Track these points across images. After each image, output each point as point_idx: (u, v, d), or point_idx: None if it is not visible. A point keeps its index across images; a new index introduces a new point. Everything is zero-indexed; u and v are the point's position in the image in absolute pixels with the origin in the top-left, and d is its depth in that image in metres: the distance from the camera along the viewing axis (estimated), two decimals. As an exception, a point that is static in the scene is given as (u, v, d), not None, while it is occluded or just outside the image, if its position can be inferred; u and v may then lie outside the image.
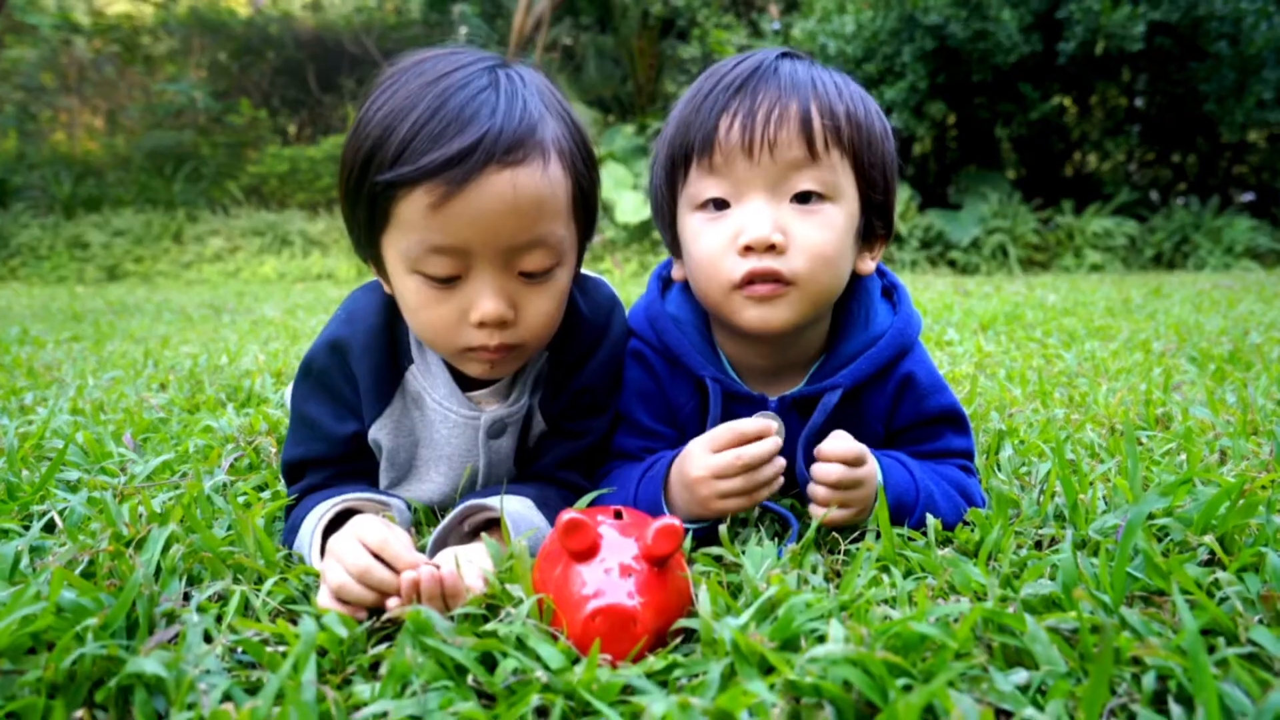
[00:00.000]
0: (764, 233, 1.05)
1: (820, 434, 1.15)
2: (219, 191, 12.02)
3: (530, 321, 1.07)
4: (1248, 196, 9.93)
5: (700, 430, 1.21)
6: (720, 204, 1.10)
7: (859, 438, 1.20)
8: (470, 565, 0.92)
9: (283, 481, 1.23)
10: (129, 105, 13.46)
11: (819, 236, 1.07)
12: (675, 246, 1.22)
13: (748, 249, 1.07)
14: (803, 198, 1.07)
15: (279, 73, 14.21)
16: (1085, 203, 9.02)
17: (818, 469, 1.07)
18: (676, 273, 1.25)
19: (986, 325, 3.53)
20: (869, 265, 1.19)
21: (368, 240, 1.06)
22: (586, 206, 1.10)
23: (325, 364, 1.16)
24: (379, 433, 1.17)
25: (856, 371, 1.17)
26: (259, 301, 5.98)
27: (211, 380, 2.40)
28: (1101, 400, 1.88)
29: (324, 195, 12.28)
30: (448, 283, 1.02)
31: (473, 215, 0.96)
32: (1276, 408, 1.77)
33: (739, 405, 1.21)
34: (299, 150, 12.84)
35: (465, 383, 1.18)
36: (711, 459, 1.05)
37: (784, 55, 1.13)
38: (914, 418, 1.21)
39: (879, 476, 1.08)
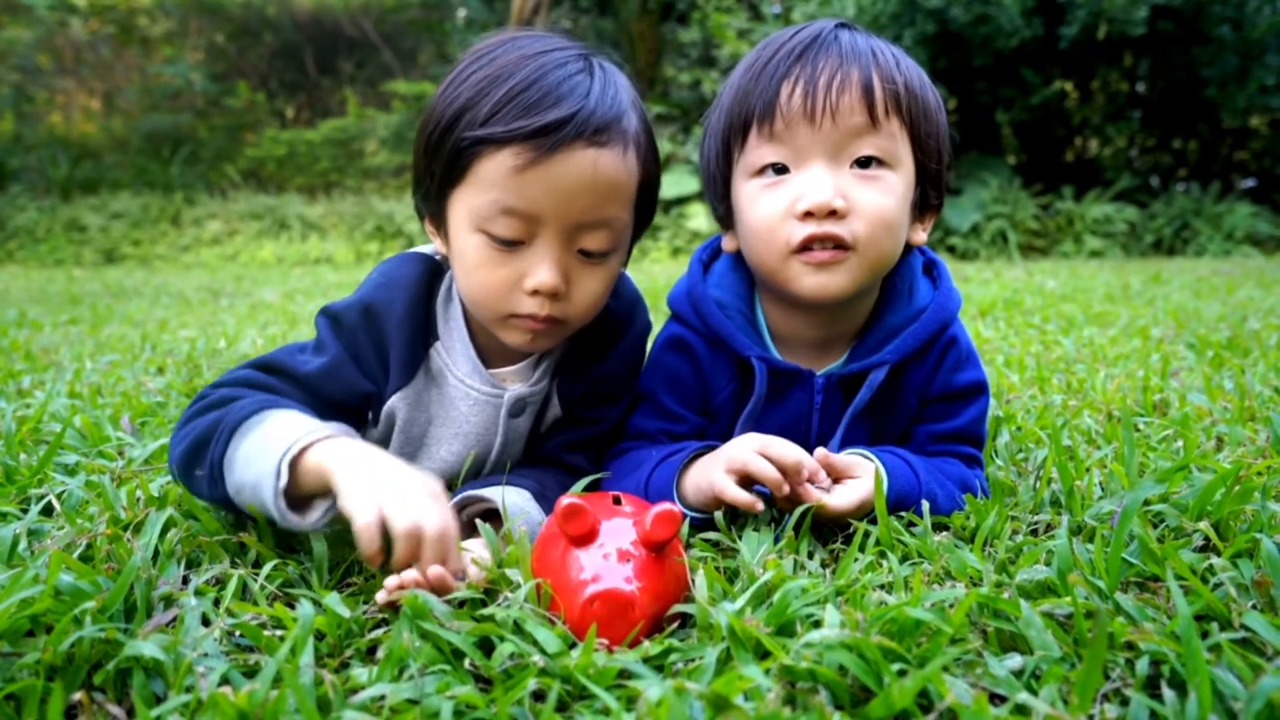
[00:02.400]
0: (825, 197, 1.06)
1: (866, 410, 1.20)
2: (217, 175, 11.98)
3: (578, 299, 1.10)
4: (1249, 182, 9.89)
5: (740, 412, 1.24)
6: (780, 169, 1.10)
7: (896, 411, 1.24)
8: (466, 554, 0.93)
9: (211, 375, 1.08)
10: (126, 87, 13.39)
11: (880, 201, 1.08)
12: (727, 218, 1.22)
13: (808, 214, 1.07)
14: (863, 163, 1.08)
15: (277, 55, 14.13)
16: (1086, 188, 8.98)
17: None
18: (728, 244, 1.25)
19: (985, 311, 3.52)
20: (921, 235, 1.19)
21: (437, 194, 1.09)
22: (649, 200, 1.15)
23: (354, 323, 1.14)
24: (399, 403, 1.17)
25: (902, 347, 1.18)
26: (257, 285, 5.97)
27: (209, 364, 2.40)
28: (1099, 386, 1.88)
29: (322, 179, 12.24)
30: (510, 246, 1.05)
31: (552, 184, 1.01)
32: (1274, 394, 1.77)
33: (784, 381, 1.22)
34: (297, 133, 12.78)
35: (487, 362, 1.20)
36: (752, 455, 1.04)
37: (841, 26, 1.13)
38: (944, 390, 1.22)
39: (875, 487, 1.06)
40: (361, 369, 1.14)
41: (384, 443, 1.19)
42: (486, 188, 1.02)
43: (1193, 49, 8.39)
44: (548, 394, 1.24)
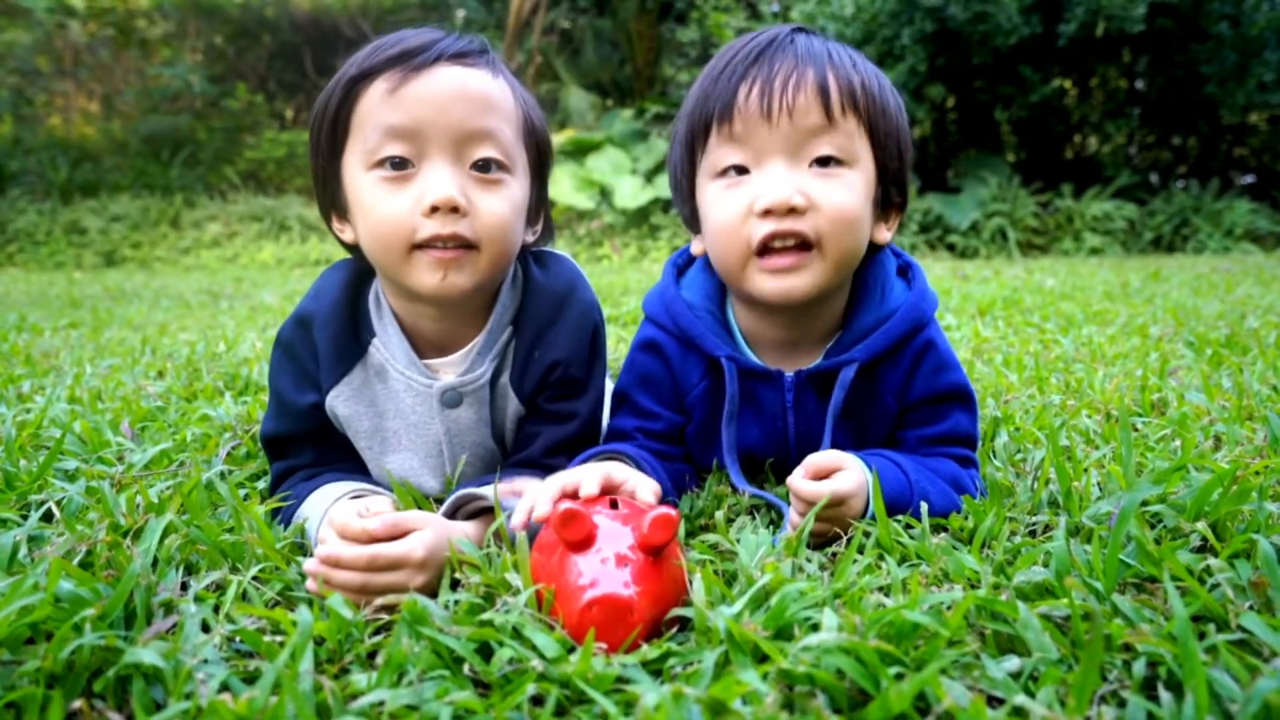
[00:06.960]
0: (784, 194, 1.06)
1: (845, 412, 1.20)
2: (216, 176, 11.98)
3: (484, 219, 1.10)
4: (1248, 179, 9.90)
5: (713, 410, 1.25)
6: (740, 170, 1.11)
7: (872, 413, 1.23)
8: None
9: (263, 454, 1.29)
10: (125, 89, 13.38)
11: (841, 197, 1.09)
12: (694, 222, 1.23)
13: (767, 212, 1.08)
14: (822, 162, 1.09)
15: (275, 56, 14.12)
16: (1085, 186, 8.99)
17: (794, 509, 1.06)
18: (696, 248, 1.27)
19: (984, 310, 3.52)
20: (886, 235, 1.20)
21: (333, 169, 1.14)
22: (537, 145, 1.20)
23: (291, 337, 1.21)
24: (335, 401, 1.21)
25: (873, 345, 1.18)
26: (257, 287, 5.97)
27: (209, 368, 2.40)
28: (1098, 386, 1.89)
29: (322, 180, 12.22)
30: (401, 168, 1.08)
31: (426, 96, 1.07)
32: (1272, 393, 1.77)
33: (755, 381, 1.23)
34: (296, 135, 12.78)
35: (422, 354, 1.23)
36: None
37: (798, 30, 1.15)
38: (926, 393, 1.22)
39: (866, 491, 1.06)
40: (307, 381, 1.21)
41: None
42: (367, 120, 1.08)
43: (1192, 46, 8.40)
44: (498, 387, 1.24)
